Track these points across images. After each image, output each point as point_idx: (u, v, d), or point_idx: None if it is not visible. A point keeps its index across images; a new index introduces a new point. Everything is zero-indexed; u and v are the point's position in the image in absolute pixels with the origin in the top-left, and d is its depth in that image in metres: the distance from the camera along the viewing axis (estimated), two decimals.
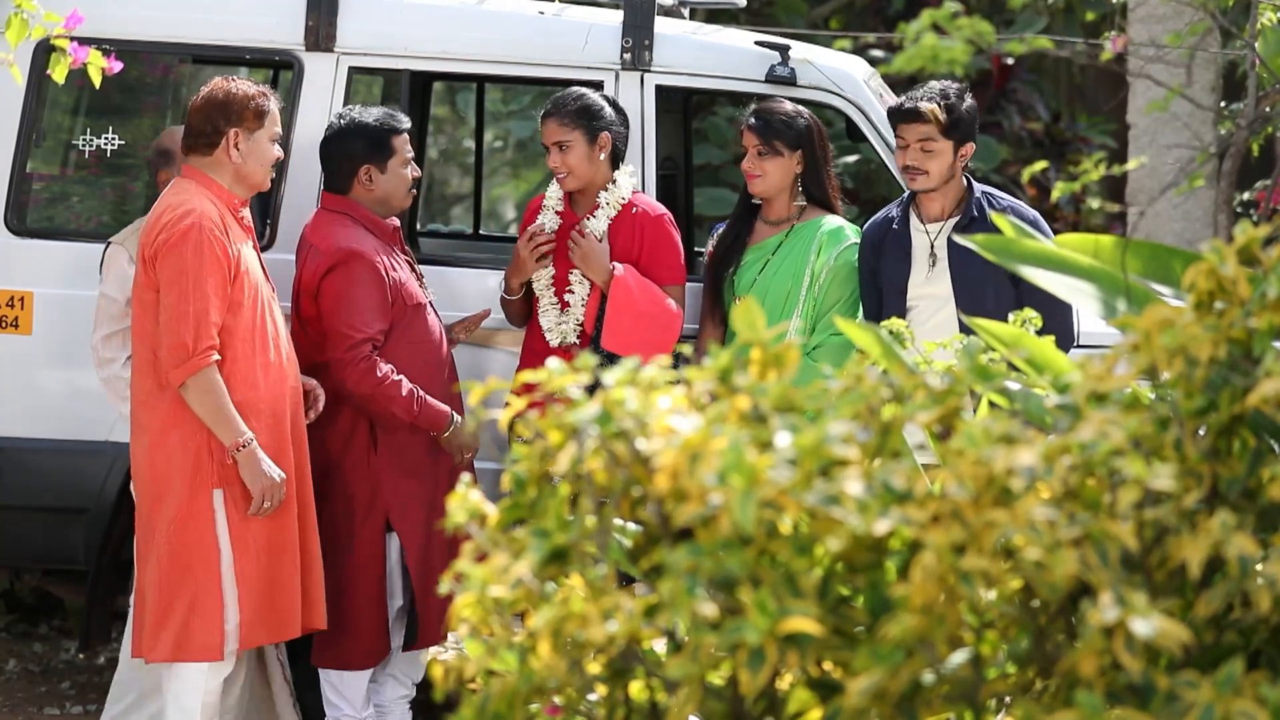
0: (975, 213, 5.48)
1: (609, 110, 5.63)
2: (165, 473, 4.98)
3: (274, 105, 5.18)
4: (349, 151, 5.48)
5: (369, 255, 5.37)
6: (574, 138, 5.58)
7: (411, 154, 5.56)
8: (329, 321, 5.36)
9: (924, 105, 5.58)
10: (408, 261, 5.58)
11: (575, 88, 5.72)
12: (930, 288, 5.55)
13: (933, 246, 5.55)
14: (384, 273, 5.39)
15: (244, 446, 4.95)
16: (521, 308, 5.74)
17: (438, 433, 5.41)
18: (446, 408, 5.40)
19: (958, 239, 3.37)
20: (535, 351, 5.62)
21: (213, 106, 5.10)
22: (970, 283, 5.44)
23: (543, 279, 5.66)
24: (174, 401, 4.97)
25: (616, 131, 5.63)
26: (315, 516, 5.23)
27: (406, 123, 5.58)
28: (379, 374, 5.32)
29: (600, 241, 5.58)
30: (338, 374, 5.35)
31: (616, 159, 5.68)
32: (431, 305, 5.59)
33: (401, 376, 5.34)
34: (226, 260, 4.97)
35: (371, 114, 5.53)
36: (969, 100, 5.56)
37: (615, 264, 5.58)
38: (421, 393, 5.36)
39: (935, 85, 5.56)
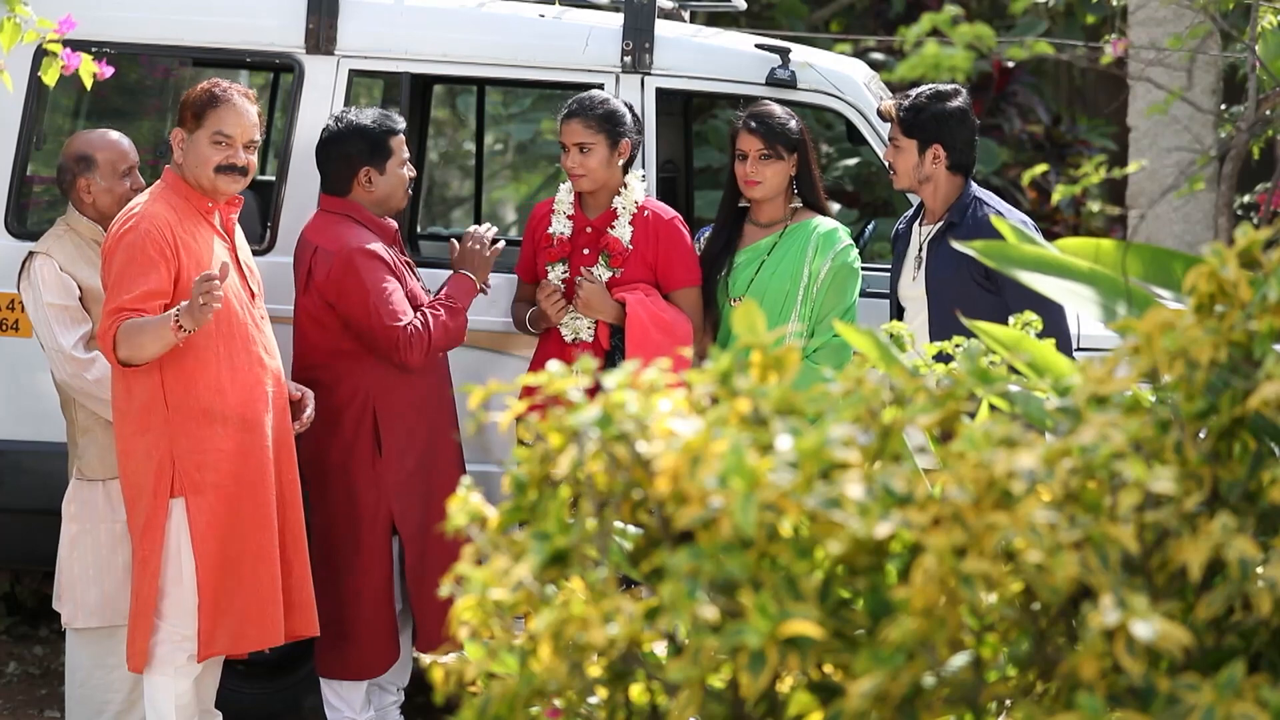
0: (956, 218, 5.48)
1: (630, 117, 5.63)
2: (136, 481, 4.97)
3: (220, 107, 5.05)
4: (347, 154, 5.50)
5: (380, 253, 5.40)
6: (597, 141, 5.57)
7: (408, 154, 5.57)
8: (363, 323, 5.37)
9: (883, 104, 5.65)
10: (407, 264, 5.60)
11: (598, 91, 5.72)
12: (914, 290, 5.56)
13: (920, 249, 5.57)
14: (394, 269, 5.42)
15: (179, 319, 4.81)
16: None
17: (472, 295, 5.57)
18: (471, 286, 5.55)
19: (957, 245, 3.36)
20: (548, 355, 5.61)
21: (179, 106, 5.11)
22: (941, 288, 5.45)
23: (556, 279, 5.66)
24: (140, 409, 4.94)
25: (634, 139, 5.64)
26: (303, 523, 5.21)
27: (402, 123, 5.59)
28: (428, 337, 5.39)
29: (599, 282, 5.59)
30: (404, 364, 5.39)
31: (628, 164, 5.68)
32: None
33: (429, 317, 5.42)
34: (165, 260, 4.90)
35: (368, 115, 5.54)
36: (951, 104, 5.53)
37: (625, 296, 5.57)
38: (440, 310, 5.45)
39: (923, 86, 5.58)
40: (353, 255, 5.37)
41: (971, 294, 5.30)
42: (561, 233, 5.67)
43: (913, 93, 5.57)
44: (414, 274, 5.60)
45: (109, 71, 4.36)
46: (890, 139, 5.59)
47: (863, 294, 5.72)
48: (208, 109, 5.05)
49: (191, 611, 4.98)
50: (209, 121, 5.05)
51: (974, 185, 5.58)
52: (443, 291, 5.49)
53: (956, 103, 5.54)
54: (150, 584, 4.94)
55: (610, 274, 5.61)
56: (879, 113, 5.71)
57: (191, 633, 4.99)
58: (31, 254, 5.39)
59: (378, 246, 5.42)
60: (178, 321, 4.81)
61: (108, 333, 4.86)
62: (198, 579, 4.96)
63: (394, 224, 5.58)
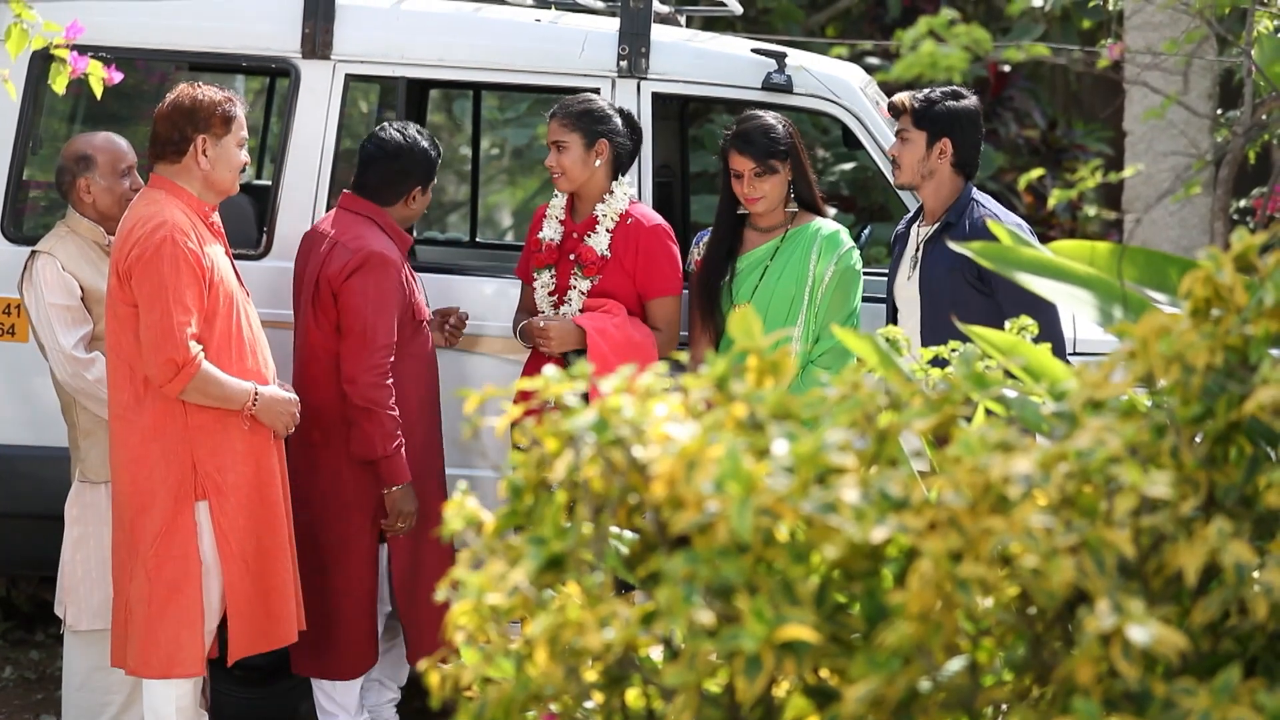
0: (953, 218, 5.48)
1: (616, 119, 5.62)
2: (147, 486, 4.97)
3: (240, 110, 5.16)
4: (410, 169, 5.58)
5: (396, 263, 5.42)
6: (571, 139, 5.58)
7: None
8: (349, 321, 5.38)
9: (898, 96, 5.65)
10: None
11: (587, 93, 5.74)
12: (909, 290, 5.57)
13: (917, 249, 5.57)
14: (404, 282, 5.43)
15: (255, 402, 5.02)
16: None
17: (390, 484, 5.42)
18: (406, 471, 5.41)
19: (955, 246, 3.36)
20: (541, 360, 5.61)
21: (180, 114, 5.08)
22: (934, 288, 5.45)
23: (543, 288, 5.67)
24: (155, 415, 4.96)
25: (618, 141, 5.61)
26: (293, 523, 5.24)
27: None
28: (388, 397, 5.35)
29: (564, 320, 5.56)
30: (349, 375, 5.36)
31: (619, 169, 5.66)
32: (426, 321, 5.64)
33: (397, 414, 5.37)
34: (201, 271, 4.95)
35: (427, 137, 5.64)
36: (964, 102, 5.55)
37: (583, 323, 5.54)
38: (402, 441, 5.38)
39: (939, 85, 5.59)
40: (371, 257, 5.40)
41: (964, 295, 5.31)
42: (551, 238, 5.68)
43: (928, 88, 5.59)
44: (418, 285, 5.63)
45: (118, 78, 4.36)
46: (899, 132, 5.59)
47: (861, 298, 5.72)
48: (233, 114, 5.13)
49: (214, 615, 5.00)
50: (236, 126, 5.14)
51: (974, 189, 5.59)
52: (401, 450, 5.41)
53: (969, 103, 5.57)
54: (166, 590, 4.94)
55: (587, 283, 5.61)
56: (890, 107, 5.70)
57: (210, 635, 5.01)
58: (34, 253, 5.41)
59: (396, 256, 5.47)
60: (250, 408, 5.01)
61: (181, 364, 4.89)
62: (225, 581, 4.99)
63: (410, 237, 5.62)
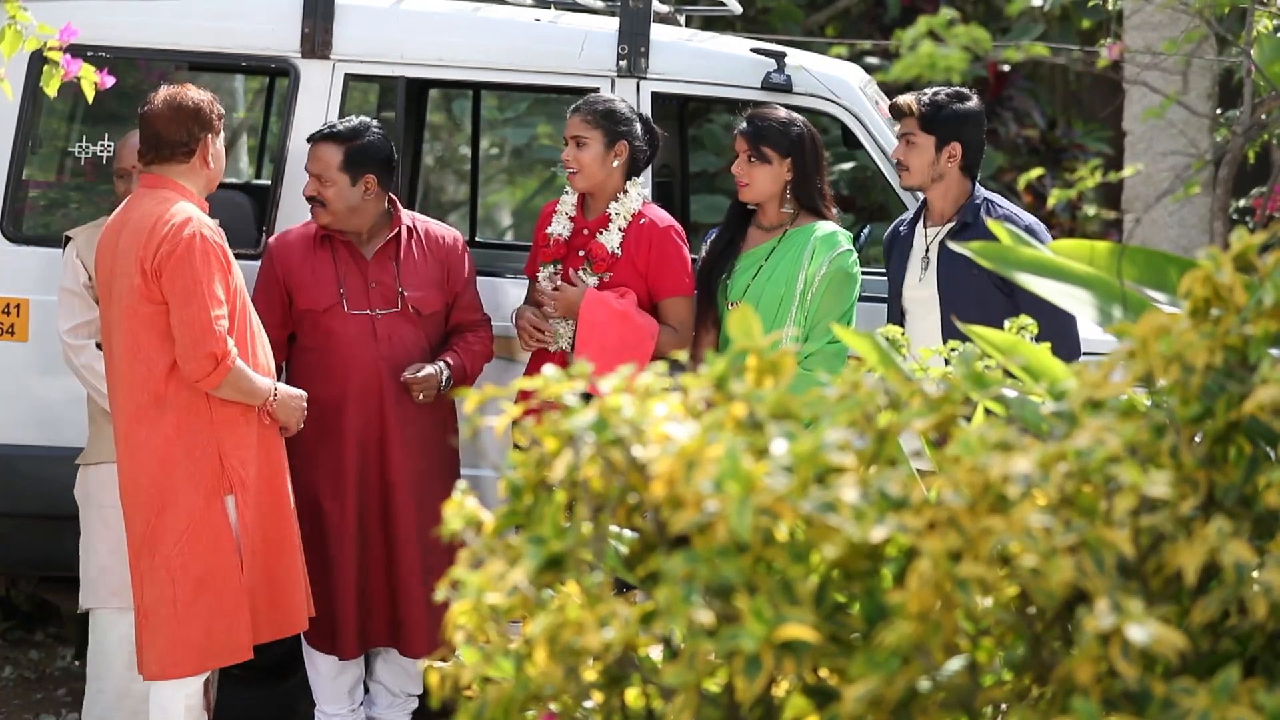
0: (969, 218, 5.48)
1: (636, 124, 5.63)
2: (170, 485, 4.96)
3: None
4: None
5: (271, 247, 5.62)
6: (593, 137, 5.59)
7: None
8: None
9: (902, 99, 5.64)
10: (361, 268, 5.61)
11: (609, 94, 5.76)
12: (921, 291, 5.55)
13: (927, 250, 5.56)
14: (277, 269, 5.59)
15: (275, 397, 5.09)
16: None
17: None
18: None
19: (954, 246, 3.36)
20: (543, 359, 5.62)
21: (186, 115, 5.10)
22: (954, 288, 5.44)
23: (548, 281, 5.68)
24: (179, 413, 4.96)
25: (636, 145, 5.62)
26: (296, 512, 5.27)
27: None
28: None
29: (583, 285, 5.60)
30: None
31: (634, 171, 5.67)
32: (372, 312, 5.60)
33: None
34: (227, 263, 5.00)
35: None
36: (970, 104, 5.55)
37: (587, 290, 5.58)
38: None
39: (939, 86, 5.58)
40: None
41: (986, 295, 5.30)
42: (560, 234, 5.69)
43: (929, 91, 5.58)
44: (365, 276, 5.71)
45: (110, 82, 4.37)
46: (904, 135, 5.58)
47: (860, 298, 5.71)
48: (222, 111, 5.19)
49: (235, 604, 5.02)
50: (222, 124, 5.19)
51: (980, 188, 5.59)
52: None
53: (975, 104, 5.57)
54: (192, 586, 4.95)
55: (596, 279, 5.61)
56: (893, 108, 5.69)
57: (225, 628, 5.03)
58: (67, 237, 5.50)
59: (291, 238, 5.68)
60: (271, 403, 5.08)
61: (220, 357, 4.93)
62: (245, 570, 5.01)
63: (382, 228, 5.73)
